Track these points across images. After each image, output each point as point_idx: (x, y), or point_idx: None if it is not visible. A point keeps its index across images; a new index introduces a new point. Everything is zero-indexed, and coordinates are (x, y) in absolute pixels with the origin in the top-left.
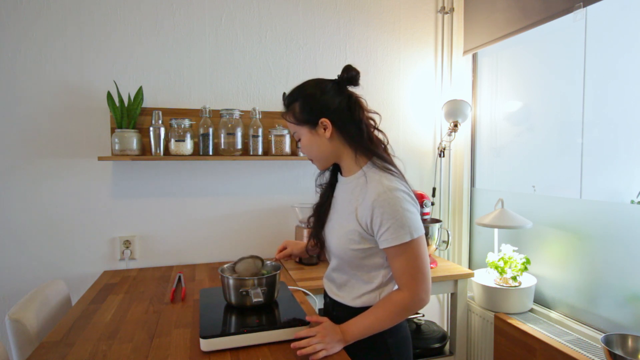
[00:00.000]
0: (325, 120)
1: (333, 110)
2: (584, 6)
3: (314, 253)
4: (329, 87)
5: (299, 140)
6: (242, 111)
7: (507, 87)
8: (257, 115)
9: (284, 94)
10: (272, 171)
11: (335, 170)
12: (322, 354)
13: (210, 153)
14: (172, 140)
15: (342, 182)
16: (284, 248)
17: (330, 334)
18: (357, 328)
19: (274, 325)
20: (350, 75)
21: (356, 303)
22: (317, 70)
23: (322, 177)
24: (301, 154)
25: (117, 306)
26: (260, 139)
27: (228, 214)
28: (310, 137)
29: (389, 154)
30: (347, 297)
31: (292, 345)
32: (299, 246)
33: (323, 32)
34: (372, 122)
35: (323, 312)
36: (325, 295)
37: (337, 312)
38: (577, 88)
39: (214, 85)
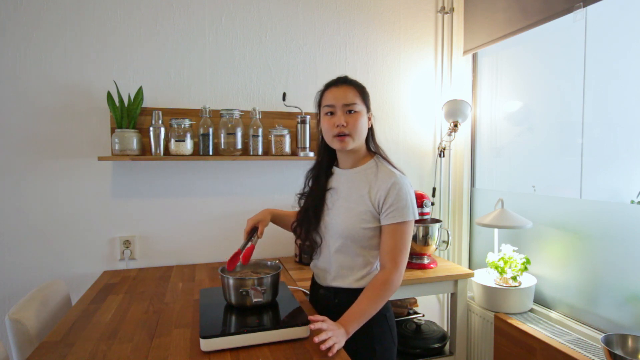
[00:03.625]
0: (371, 115)
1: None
2: (584, 6)
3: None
4: None
5: (354, 112)
6: (242, 111)
7: (507, 87)
8: (257, 115)
9: (284, 94)
10: (272, 171)
11: (330, 165)
12: (336, 348)
13: (210, 153)
14: (172, 140)
15: (348, 173)
16: (254, 228)
17: (336, 329)
18: (355, 316)
19: (274, 325)
20: None
21: (360, 284)
22: (317, 70)
23: (310, 176)
24: (301, 154)
25: (117, 306)
26: (260, 139)
27: (228, 214)
28: (364, 117)
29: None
30: (349, 279)
31: (316, 339)
32: (266, 219)
33: (323, 32)
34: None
35: (320, 304)
36: (319, 287)
37: (339, 298)
38: (577, 88)
39: (214, 85)
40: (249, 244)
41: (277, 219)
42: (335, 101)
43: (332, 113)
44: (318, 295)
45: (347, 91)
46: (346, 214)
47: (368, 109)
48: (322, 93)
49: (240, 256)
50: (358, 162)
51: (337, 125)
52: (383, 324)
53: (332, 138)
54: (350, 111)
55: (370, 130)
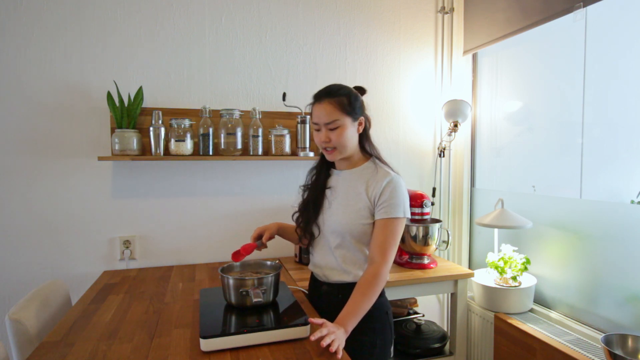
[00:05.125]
0: (362, 119)
1: (364, 114)
2: (584, 6)
3: (305, 241)
4: (359, 95)
5: (336, 128)
6: (242, 111)
7: (507, 87)
8: (257, 115)
9: (284, 94)
10: (272, 171)
11: (329, 166)
12: (340, 348)
13: (210, 153)
14: (172, 140)
15: (345, 173)
16: (259, 235)
17: (336, 330)
18: (352, 314)
19: (274, 325)
20: (363, 93)
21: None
22: (317, 70)
23: (312, 174)
24: (301, 154)
25: (117, 306)
26: (260, 139)
27: (228, 214)
28: (350, 128)
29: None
30: (352, 274)
31: (322, 343)
32: (272, 229)
33: (323, 32)
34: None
35: (323, 301)
36: (321, 284)
37: (343, 293)
38: (577, 88)
39: (214, 85)
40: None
41: (283, 231)
42: (318, 119)
43: (318, 130)
44: (321, 292)
45: (327, 108)
46: (344, 210)
47: (356, 116)
48: (311, 107)
49: (240, 249)
50: (355, 164)
51: (323, 141)
52: (384, 320)
53: (322, 150)
54: (332, 128)
55: (364, 134)
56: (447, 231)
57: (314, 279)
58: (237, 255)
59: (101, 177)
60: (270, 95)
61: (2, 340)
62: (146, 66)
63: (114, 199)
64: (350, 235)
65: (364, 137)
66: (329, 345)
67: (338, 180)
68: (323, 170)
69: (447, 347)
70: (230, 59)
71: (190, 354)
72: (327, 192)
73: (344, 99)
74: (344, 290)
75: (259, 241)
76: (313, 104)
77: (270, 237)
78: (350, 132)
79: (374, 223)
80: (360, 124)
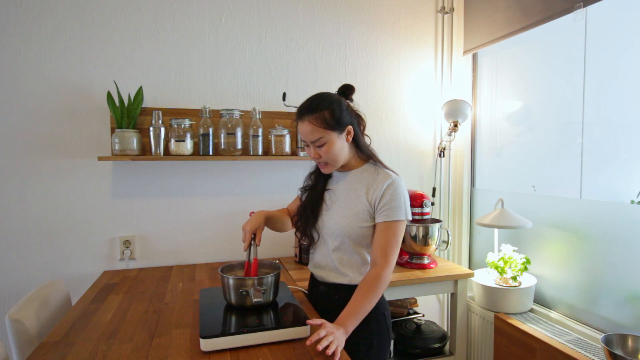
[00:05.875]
0: (350, 127)
1: (352, 121)
2: (584, 6)
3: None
4: (343, 100)
5: (322, 145)
6: (242, 111)
7: (507, 87)
8: (257, 115)
9: (284, 94)
10: (272, 171)
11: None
12: (339, 350)
13: (210, 153)
14: (172, 140)
15: (344, 175)
16: (252, 236)
17: (336, 330)
18: (352, 315)
19: (274, 325)
20: (351, 92)
21: (359, 280)
22: (317, 71)
23: (310, 178)
24: (302, 154)
25: (117, 306)
26: (260, 139)
27: (228, 213)
28: (338, 141)
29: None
30: (349, 276)
31: (319, 347)
32: (262, 225)
33: (323, 32)
34: (362, 128)
35: (321, 301)
36: (319, 284)
37: (339, 294)
38: (577, 88)
39: (214, 85)
40: (253, 258)
41: (270, 221)
42: (304, 137)
43: (307, 146)
44: (318, 292)
45: (309, 127)
46: (344, 213)
47: (342, 127)
48: (296, 123)
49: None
50: (353, 167)
51: (313, 157)
52: (381, 322)
53: (316, 162)
54: (319, 145)
55: (354, 140)
56: (447, 231)
57: (313, 279)
58: (248, 275)
59: (101, 177)
60: (270, 95)
61: (2, 340)
62: (146, 66)
63: (114, 199)
64: (349, 238)
65: (355, 143)
66: (327, 347)
67: (338, 182)
68: (322, 173)
69: (447, 347)
70: (230, 59)
71: (190, 354)
72: (326, 194)
73: (326, 114)
74: (341, 292)
75: (254, 246)
76: (296, 120)
77: (262, 232)
78: (339, 145)
79: (373, 226)
80: (348, 133)
